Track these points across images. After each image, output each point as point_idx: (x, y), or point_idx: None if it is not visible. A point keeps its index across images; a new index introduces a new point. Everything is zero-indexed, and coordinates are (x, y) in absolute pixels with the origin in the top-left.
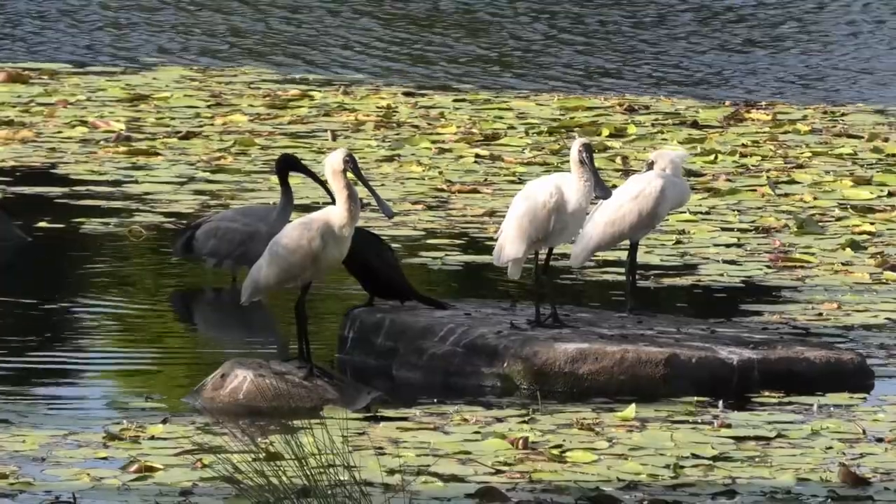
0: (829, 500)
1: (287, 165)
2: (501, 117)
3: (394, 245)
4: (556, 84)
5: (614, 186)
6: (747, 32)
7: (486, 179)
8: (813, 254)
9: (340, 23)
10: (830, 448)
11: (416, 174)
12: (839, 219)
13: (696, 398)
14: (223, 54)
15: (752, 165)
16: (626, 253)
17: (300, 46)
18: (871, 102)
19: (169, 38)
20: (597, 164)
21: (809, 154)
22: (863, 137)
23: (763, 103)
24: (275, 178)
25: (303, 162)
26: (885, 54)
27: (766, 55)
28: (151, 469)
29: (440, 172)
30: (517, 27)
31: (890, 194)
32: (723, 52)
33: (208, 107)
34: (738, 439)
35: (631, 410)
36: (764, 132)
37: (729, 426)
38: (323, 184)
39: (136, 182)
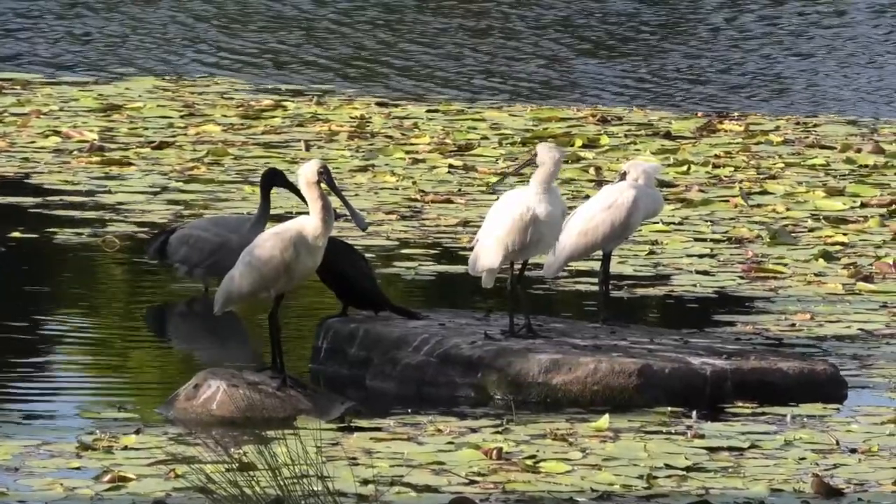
0: None
1: (272, 180)
2: (475, 128)
3: (367, 255)
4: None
5: (587, 197)
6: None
7: (459, 190)
8: (786, 264)
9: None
10: (804, 459)
11: (389, 184)
12: (812, 229)
13: (669, 408)
14: (190, 64)
15: (725, 176)
16: (599, 263)
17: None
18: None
19: (141, 48)
20: (570, 175)
21: (782, 165)
22: (835, 148)
23: (736, 114)
24: (249, 188)
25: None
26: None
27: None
28: (125, 479)
29: (414, 183)
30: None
31: (863, 205)
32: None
33: (181, 117)
34: (712, 450)
35: (604, 421)
36: (737, 143)
37: (702, 436)
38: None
39: (110, 192)
